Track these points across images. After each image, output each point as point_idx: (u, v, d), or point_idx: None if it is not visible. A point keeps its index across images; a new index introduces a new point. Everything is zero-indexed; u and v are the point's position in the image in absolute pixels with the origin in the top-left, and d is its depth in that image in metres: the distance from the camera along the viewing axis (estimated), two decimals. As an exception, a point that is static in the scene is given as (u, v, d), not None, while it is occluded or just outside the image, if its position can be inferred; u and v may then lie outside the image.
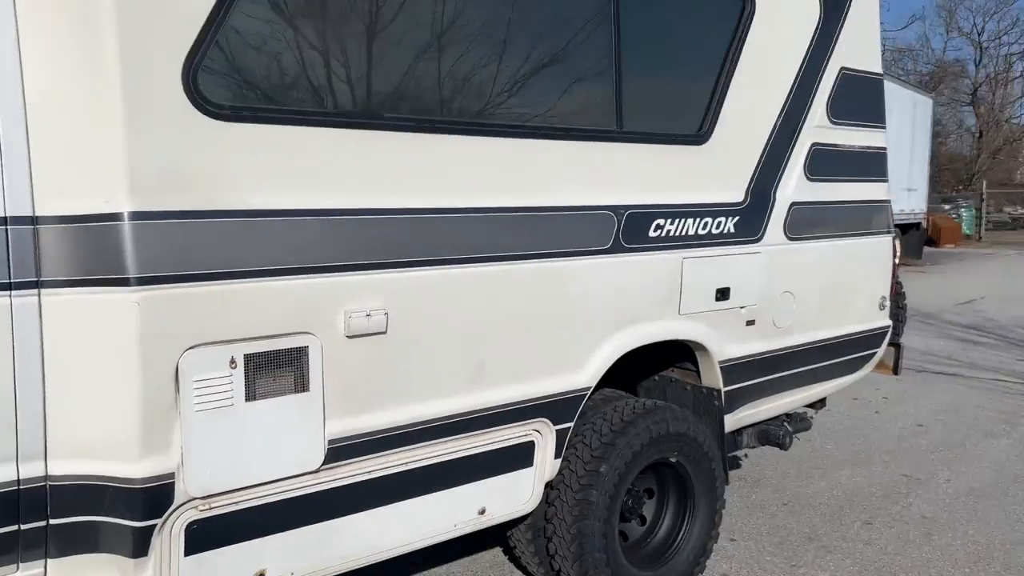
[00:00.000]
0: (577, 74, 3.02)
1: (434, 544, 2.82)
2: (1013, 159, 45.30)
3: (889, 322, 4.40)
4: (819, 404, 4.46)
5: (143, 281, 2.06)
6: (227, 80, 2.23)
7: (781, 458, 5.25)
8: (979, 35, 41.36)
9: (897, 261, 4.42)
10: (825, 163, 3.86)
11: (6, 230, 2.01)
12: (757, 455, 5.21)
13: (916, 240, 19.35)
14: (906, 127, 17.37)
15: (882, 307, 4.31)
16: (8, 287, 2.00)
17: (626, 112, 3.10)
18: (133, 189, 2.06)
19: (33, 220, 2.05)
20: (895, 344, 4.56)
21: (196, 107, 2.15)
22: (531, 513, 3.12)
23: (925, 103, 19.73)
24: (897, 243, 4.46)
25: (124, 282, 2.06)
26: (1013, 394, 7.18)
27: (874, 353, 4.35)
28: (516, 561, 3.57)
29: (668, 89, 3.37)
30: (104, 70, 2.03)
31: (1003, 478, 5.07)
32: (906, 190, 17.45)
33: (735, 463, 5.02)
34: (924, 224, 20.36)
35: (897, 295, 4.58)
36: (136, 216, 2.06)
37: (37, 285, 2.05)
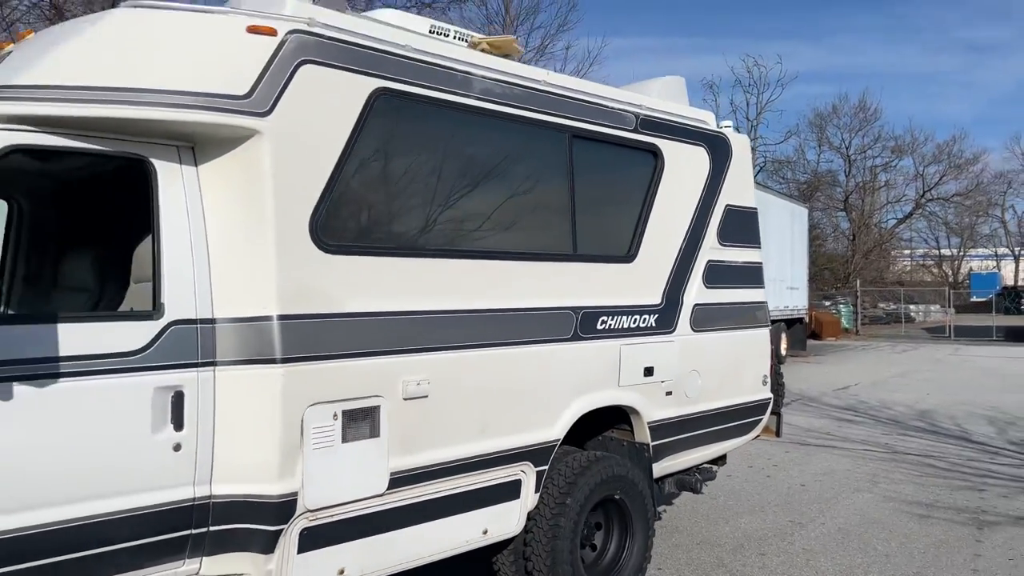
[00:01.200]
0: (548, 216, 4.30)
1: (452, 555, 3.84)
2: (883, 259, 49.87)
3: (771, 395, 5.73)
4: (721, 461, 5.70)
5: (285, 360, 3.12)
6: (332, 228, 3.36)
7: (693, 510, 6.44)
8: (847, 149, 46.03)
9: (774, 347, 5.79)
10: (717, 274, 5.23)
11: (196, 328, 3.05)
12: (673, 509, 6.38)
13: (800, 333, 21.50)
14: (786, 233, 19.64)
15: (764, 383, 5.65)
16: (200, 366, 3.03)
17: (579, 240, 4.39)
18: (279, 300, 3.14)
19: (212, 321, 3.09)
20: (776, 413, 5.89)
21: (315, 245, 3.27)
22: (515, 538, 4.17)
23: (802, 212, 22.33)
24: (779, 334, 5.83)
25: (272, 361, 3.11)
26: (877, 460, 8.66)
27: (760, 419, 5.65)
28: (498, 584, 4.55)
29: (606, 223, 4.68)
30: (262, 226, 3.14)
31: (865, 520, 6.39)
32: (789, 288, 19.56)
33: (657, 516, 6.15)
34: (807, 319, 22.65)
35: (776, 374, 5.93)
36: (281, 318, 3.13)
37: (214, 364, 3.08)
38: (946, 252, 56.89)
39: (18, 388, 2.65)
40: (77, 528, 2.77)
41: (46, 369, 2.71)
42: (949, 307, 35.91)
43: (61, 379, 2.74)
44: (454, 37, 4.40)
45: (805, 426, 10.65)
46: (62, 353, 2.74)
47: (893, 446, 9.45)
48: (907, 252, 55.90)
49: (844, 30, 77.69)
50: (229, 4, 3.96)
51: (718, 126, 5.52)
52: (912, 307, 41.51)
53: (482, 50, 4.35)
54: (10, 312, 3.02)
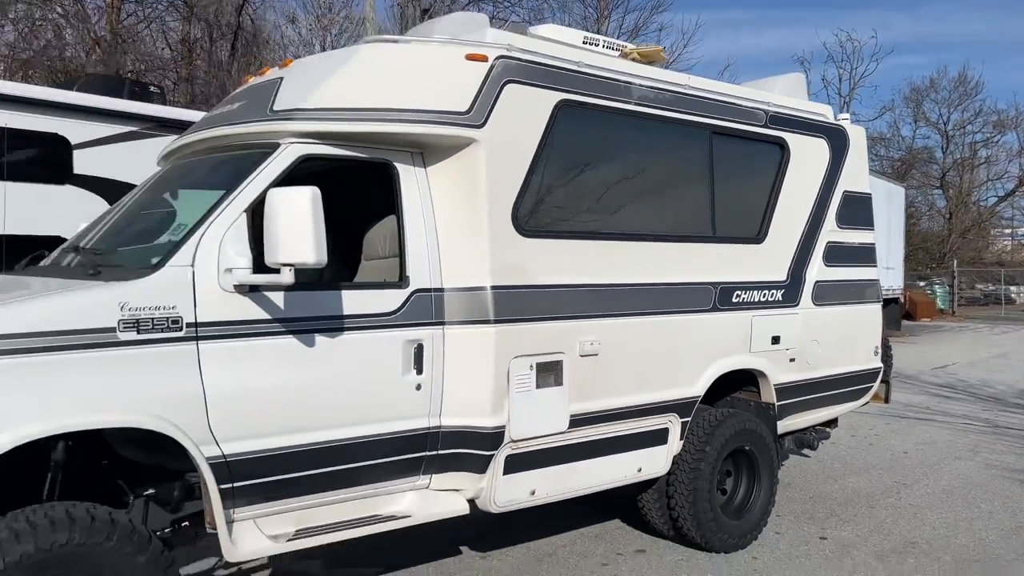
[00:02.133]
0: (692, 203, 4.99)
1: (612, 488, 4.60)
2: (982, 239, 48.17)
3: (881, 364, 6.29)
4: (833, 423, 6.30)
5: (496, 321, 3.92)
6: (526, 216, 4.13)
7: (802, 470, 7.05)
8: (945, 124, 44.61)
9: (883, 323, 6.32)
10: (835, 254, 5.81)
11: (431, 295, 3.88)
12: (784, 469, 7.00)
13: (895, 313, 21.46)
14: (882, 213, 19.58)
15: (875, 353, 6.20)
16: (434, 324, 3.86)
17: (717, 224, 5.06)
18: (492, 274, 3.94)
19: (442, 290, 3.91)
20: (886, 381, 6.44)
21: (516, 230, 4.05)
22: (659, 479, 4.90)
23: (898, 191, 22.19)
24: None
25: (487, 322, 3.91)
26: (977, 432, 9.05)
27: (871, 386, 6.22)
28: (641, 521, 5.29)
29: (739, 209, 5.31)
30: (478, 216, 3.93)
31: (968, 483, 6.89)
32: (884, 268, 19.59)
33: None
34: (902, 299, 22.55)
35: (885, 346, 6.47)
36: (493, 288, 3.93)
37: (442, 324, 3.90)
38: (1050, 231, 54.46)
39: (318, 338, 3.53)
40: (353, 445, 3.65)
41: (335, 324, 3.58)
42: (1053, 289, 34.67)
43: (345, 332, 3.61)
44: (603, 46, 5.11)
45: (904, 401, 11.01)
46: (345, 312, 3.61)
47: (994, 421, 9.78)
48: (1008, 231, 53.78)
49: (943, -1, 74.42)
50: (416, 31, 4.78)
51: (836, 118, 6.07)
52: (1013, 288, 40.21)
53: (632, 59, 5.05)
54: (310, 281, 3.83)
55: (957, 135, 44.76)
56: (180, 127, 8.15)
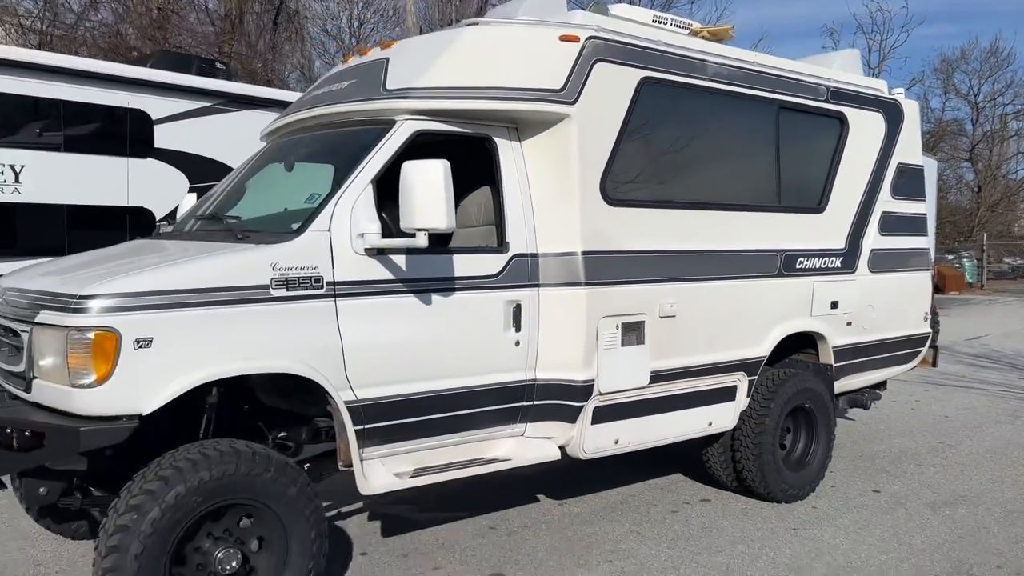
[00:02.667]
0: (759, 174, 5.28)
1: (685, 440, 4.96)
2: (1011, 212, 47.73)
3: (930, 329, 6.57)
4: (882, 387, 6.60)
5: (587, 284, 4.26)
6: (612, 187, 4.44)
7: (849, 433, 7.37)
8: (975, 96, 44.10)
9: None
10: (890, 224, 6.07)
11: (527, 259, 4.22)
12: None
13: (926, 286, 21.53)
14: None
15: (925, 319, 6.48)
16: (531, 286, 4.20)
17: (783, 195, 5.35)
18: (582, 240, 4.26)
19: (537, 255, 4.25)
20: (934, 346, 6.72)
21: (603, 200, 4.37)
22: (725, 433, 5.25)
23: (930, 164, 22.10)
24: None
25: (578, 284, 4.25)
26: (1016, 399, 9.31)
27: (920, 350, 6.50)
28: (706, 474, 5.64)
29: (802, 180, 5.59)
30: (570, 187, 4.25)
31: (1010, 444, 7.18)
32: (917, 241, 19.68)
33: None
34: (932, 272, 22.63)
35: (934, 313, 6.74)
36: (584, 254, 4.26)
37: (537, 286, 4.24)
38: (1081, 205, 53.78)
39: (434, 297, 3.89)
40: (462, 394, 4.02)
41: (447, 285, 3.93)
42: (1084, 262, 34.45)
43: (456, 292, 3.96)
44: (671, 24, 5.38)
45: (940, 371, 11.13)
46: (456, 274, 3.96)
47: (1031, 388, 10.02)
48: (1036, 205, 53.18)
49: (975, -33, 73.03)
50: (495, 12, 5.05)
51: (890, 93, 6.31)
52: (1041, 262, 39.95)
53: (703, 37, 5.32)
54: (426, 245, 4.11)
55: (987, 107, 44.22)
56: (249, 103, 8.54)
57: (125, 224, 7.61)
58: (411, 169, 3.52)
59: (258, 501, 3.33)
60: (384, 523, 4.97)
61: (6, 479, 4.14)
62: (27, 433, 3.18)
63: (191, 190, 7.96)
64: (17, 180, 6.91)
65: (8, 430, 3.22)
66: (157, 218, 7.80)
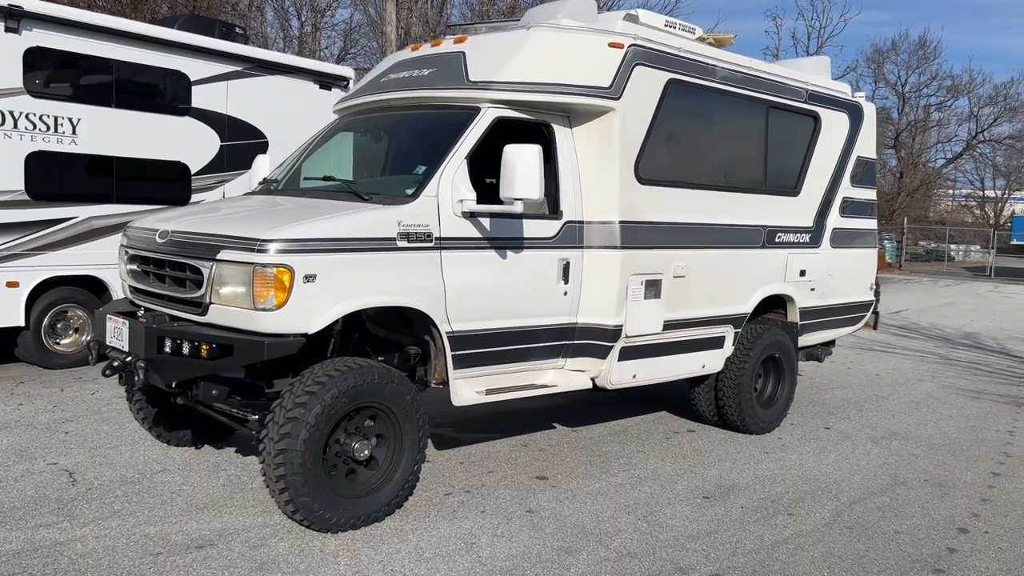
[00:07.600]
0: (751, 162, 6.34)
1: (686, 378, 6.06)
2: (928, 198, 50.77)
3: (873, 298, 7.81)
4: (832, 344, 7.84)
5: (622, 247, 5.25)
6: (643, 169, 5.43)
7: (801, 385, 8.62)
8: (903, 86, 46.56)
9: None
10: (848, 207, 7.25)
11: (576, 226, 5.18)
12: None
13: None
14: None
15: (870, 288, 7.73)
16: (577, 247, 5.17)
17: (768, 180, 6.44)
18: (620, 211, 5.25)
19: (583, 223, 5.22)
20: (876, 312, 7.98)
21: (637, 180, 5.36)
22: (710, 376, 6.36)
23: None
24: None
25: (615, 247, 5.24)
26: (933, 363, 10.79)
27: (865, 315, 7.75)
28: (691, 410, 6.76)
29: (783, 168, 6.69)
30: (612, 168, 5.22)
31: (930, 397, 8.55)
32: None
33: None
34: (877, 249, 24.43)
35: (877, 284, 8.00)
36: (620, 223, 5.25)
37: (582, 247, 5.22)
38: (990, 194, 57.44)
39: (509, 253, 4.82)
40: (524, 331, 4.98)
41: (518, 244, 4.87)
42: (992, 248, 37.29)
43: (524, 250, 4.91)
44: (679, 29, 6.36)
45: (869, 338, 12.70)
46: (524, 235, 4.90)
47: (946, 355, 11.55)
48: (950, 192, 56.52)
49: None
50: (531, 16, 5.90)
51: (852, 95, 7.45)
52: (953, 246, 42.86)
53: (708, 43, 6.33)
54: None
55: (913, 97, 46.79)
56: (276, 69, 9.20)
57: (163, 176, 8.25)
58: (512, 151, 4.43)
59: (384, 405, 4.25)
60: (435, 440, 5.93)
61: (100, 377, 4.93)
62: (214, 345, 4.01)
63: (221, 147, 8.64)
64: (74, 132, 7.48)
65: (197, 343, 4.04)
66: (192, 172, 8.46)
